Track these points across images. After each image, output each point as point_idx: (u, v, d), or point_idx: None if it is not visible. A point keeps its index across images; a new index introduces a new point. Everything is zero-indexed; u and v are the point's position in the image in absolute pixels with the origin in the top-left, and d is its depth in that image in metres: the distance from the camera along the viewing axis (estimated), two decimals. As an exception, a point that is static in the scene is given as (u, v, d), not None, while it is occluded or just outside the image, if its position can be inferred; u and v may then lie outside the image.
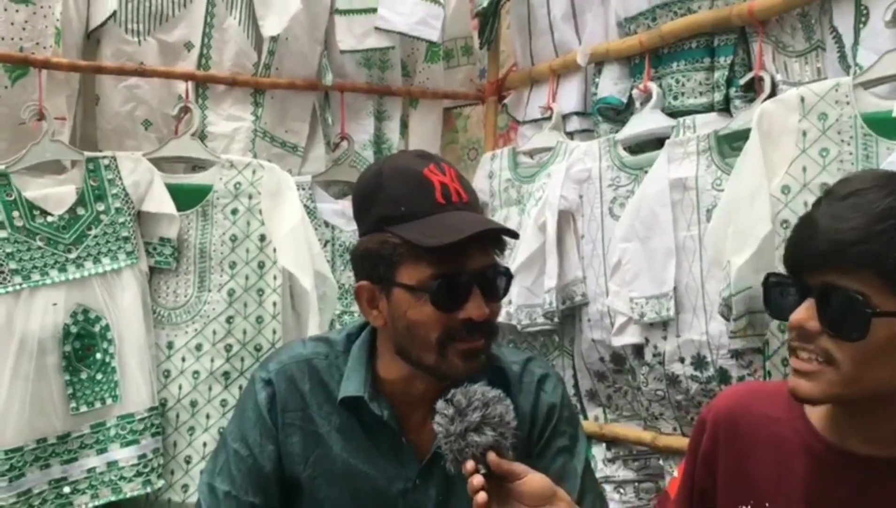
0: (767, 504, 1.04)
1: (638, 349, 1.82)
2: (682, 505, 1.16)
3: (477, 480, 1.04)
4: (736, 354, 1.62)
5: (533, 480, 1.06)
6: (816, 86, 1.50)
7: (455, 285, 1.13)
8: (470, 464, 1.05)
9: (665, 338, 1.75)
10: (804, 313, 0.92)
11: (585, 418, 2.00)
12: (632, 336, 1.81)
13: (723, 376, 1.66)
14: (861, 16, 1.52)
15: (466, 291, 1.14)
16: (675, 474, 1.21)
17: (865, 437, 0.97)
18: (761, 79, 1.68)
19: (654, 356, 1.77)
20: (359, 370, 1.22)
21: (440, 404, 1.09)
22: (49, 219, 1.81)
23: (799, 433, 1.03)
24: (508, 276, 1.21)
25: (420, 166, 1.17)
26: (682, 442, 1.79)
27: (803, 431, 1.02)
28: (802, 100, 1.49)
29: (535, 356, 1.35)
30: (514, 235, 1.21)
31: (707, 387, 1.69)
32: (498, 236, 1.19)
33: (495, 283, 1.18)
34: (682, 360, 1.72)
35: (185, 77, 2.04)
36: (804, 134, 1.48)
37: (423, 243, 1.11)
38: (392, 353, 1.21)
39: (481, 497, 1.03)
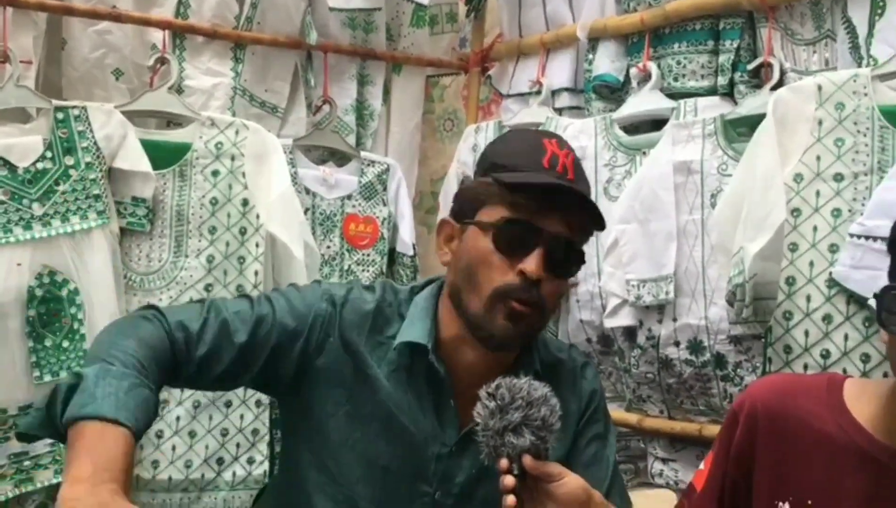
0: (810, 503, 1.04)
1: (629, 332, 1.81)
2: (709, 498, 1.15)
3: (508, 481, 1.02)
4: (735, 339, 1.63)
5: (569, 483, 1.04)
6: (834, 75, 1.50)
7: (520, 232, 1.14)
8: (504, 462, 1.03)
9: (660, 321, 1.74)
10: None
11: (567, 397, 1.99)
12: (625, 319, 1.80)
13: (719, 361, 1.67)
14: (877, 7, 1.53)
15: (529, 242, 1.14)
16: (702, 466, 1.20)
17: None
18: (770, 65, 1.68)
19: (648, 338, 1.77)
20: (423, 319, 1.21)
21: (483, 392, 1.06)
22: (13, 172, 1.66)
23: (846, 432, 1.02)
24: (580, 259, 1.20)
25: (543, 136, 1.22)
26: (669, 426, 1.80)
27: (851, 430, 1.02)
28: (819, 88, 1.49)
29: (574, 345, 1.37)
30: (601, 225, 1.20)
31: (701, 371, 1.70)
32: (586, 220, 1.18)
33: (562, 256, 1.16)
34: (677, 344, 1.72)
35: (162, 25, 1.89)
36: (820, 123, 1.49)
37: (505, 179, 1.13)
38: (449, 307, 1.20)
39: (510, 500, 1.01)
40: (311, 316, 1.21)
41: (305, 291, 1.25)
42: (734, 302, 1.54)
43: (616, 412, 1.92)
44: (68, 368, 1.68)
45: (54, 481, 1.67)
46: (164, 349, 1.11)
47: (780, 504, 1.06)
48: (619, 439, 1.96)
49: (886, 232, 1.33)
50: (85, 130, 1.74)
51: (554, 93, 2.15)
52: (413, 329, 1.20)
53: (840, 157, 1.46)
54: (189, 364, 1.14)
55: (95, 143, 1.74)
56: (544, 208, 1.14)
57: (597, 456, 1.27)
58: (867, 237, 1.39)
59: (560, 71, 2.14)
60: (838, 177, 1.46)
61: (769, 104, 1.53)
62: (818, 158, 1.49)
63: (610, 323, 1.82)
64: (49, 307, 1.67)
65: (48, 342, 1.67)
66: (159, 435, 1.81)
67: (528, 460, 1.03)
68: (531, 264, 1.13)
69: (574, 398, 1.28)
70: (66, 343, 1.69)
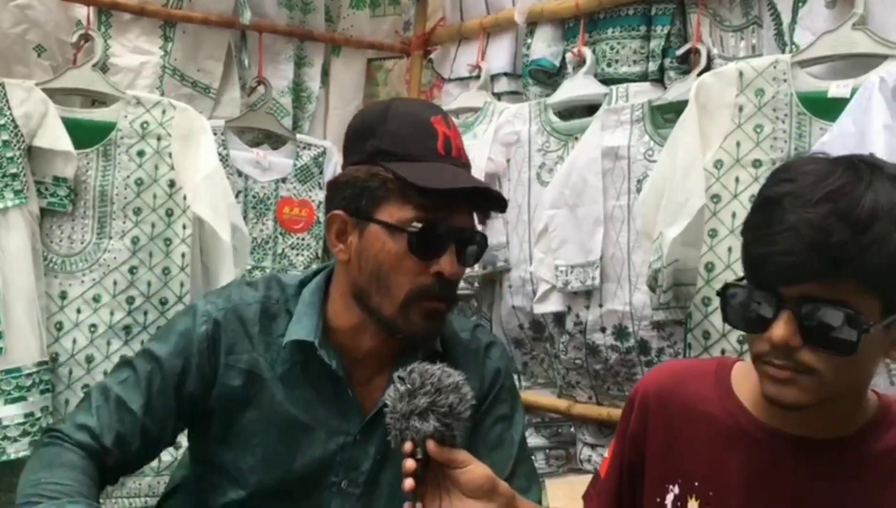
0: (697, 484, 1.04)
1: (559, 318, 1.81)
2: (610, 484, 1.15)
3: (409, 464, 1.01)
4: (657, 325, 1.63)
5: (474, 471, 1.03)
6: (755, 61, 1.50)
7: (435, 235, 1.10)
8: (408, 445, 1.03)
9: (588, 307, 1.74)
10: (784, 329, 0.87)
11: (500, 383, 1.98)
12: (554, 304, 1.79)
13: (643, 347, 1.67)
14: (801, -5, 1.53)
15: (444, 244, 1.11)
16: (606, 454, 1.19)
17: (803, 420, 0.97)
18: (697, 51, 1.68)
19: (576, 324, 1.77)
20: (310, 314, 1.17)
21: (396, 376, 1.05)
22: (-76, 149, 1.62)
23: (730, 413, 1.02)
24: (484, 245, 1.18)
25: (428, 113, 1.15)
26: (596, 411, 1.81)
27: (734, 411, 1.02)
28: (741, 74, 1.49)
29: (481, 324, 1.34)
30: (504, 207, 1.18)
31: (626, 357, 1.70)
32: (484, 206, 1.17)
33: (470, 247, 1.15)
34: (603, 330, 1.72)
35: (86, 1, 1.85)
36: (740, 109, 1.49)
37: (418, 182, 1.08)
38: (347, 298, 1.16)
39: (408, 483, 1.01)
40: (195, 347, 1.17)
41: (181, 323, 1.20)
42: (654, 288, 1.54)
43: (548, 398, 1.92)
44: (-18, 350, 1.64)
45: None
46: (76, 459, 1.10)
47: (670, 486, 1.06)
48: (549, 425, 1.97)
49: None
50: (2, 106, 1.69)
51: (493, 77, 2.14)
52: (299, 326, 1.17)
53: (759, 143, 1.47)
54: (108, 455, 1.12)
55: (13, 120, 1.70)
56: (452, 204, 1.11)
57: (501, 438, 1.26)
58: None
59: (499, 55, 2.13)
60: (757, 163, 1.46)
61: (692, 90, 1.53)
62: (738, 144, 1.49)
63: (539, 309, 1.82)
64: (-37, 289, 1.63)
65: (-38, 325, 1.63)
66: (81, 420, 1.77)
67: (431, 445, 1.02)
68: (447, 265, 1.11)
69: (476, 378, 1.26)
70: (-20, 325, 1.65)
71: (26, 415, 1.67)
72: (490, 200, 1.17)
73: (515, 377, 1.98)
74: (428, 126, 1.13)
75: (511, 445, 1.26)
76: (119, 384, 1.15)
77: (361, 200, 1.12)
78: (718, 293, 0.95)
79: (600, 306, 1.72)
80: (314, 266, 1.85)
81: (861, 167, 0.89)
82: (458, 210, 1.13)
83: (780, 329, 0.88)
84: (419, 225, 1.10)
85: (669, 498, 1.07)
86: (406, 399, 1.03)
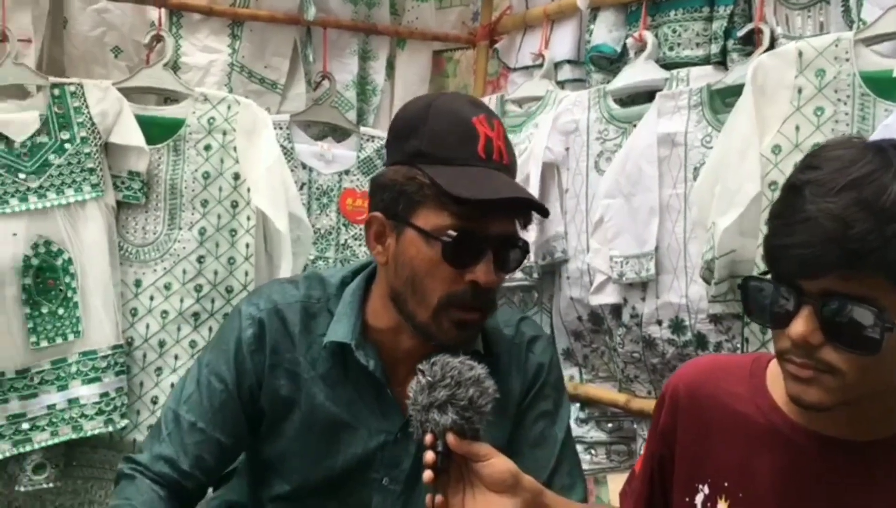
0: (726, 485, 0.99)
1: (616, 310, 1.77)
2: (643, 482, 1.12)
3: (429, 456, 1.02)
4: (715, 319, 1.57)
5: (495, 465, 1.02)
6: (816, 40, 1.41)
7: (471, 243, 1.08)
8: (428, 438, 1.03)
9: (643, 299, 1.69)
10: (804, 326, 0.83)
11: (560, 376, 1.96)
12: (610, 296, 1.75)
13: (700, 341, 1.61)
14: (870, -33, 1.43)
15: (480, 252, 1.09)
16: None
17: (839, 421, 0.92)
18: (760, 31, 1.59)
19: (632, 317, 1.72)
20: (349, 315, 1.18)
21: (419, 367, 1.05)
22: (9, 146, 1.74)
23: (763, 412, 0.97)
24: (525, 250, 1.15)
25: (470, 113, 1.11)
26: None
27: (767, 410, 0.97)
28: (800, 54, 1.41)
29: (527, 317, 1.31)
30: (545, 212, 1.16)
31: (684, 352, 1.65)
32: (527, 208, 1.13)
33: (510, 253, 1.13)
34: (659, 323, 1.67)
35: (158, 3, 1.94)
36: (800, 91, 1.41)
37: (453, 191, 1.06)
38: (385, 299, 1.17)
39: (427, 474, 1.01)
40: (245, 351, 1.19)
41: (229, 329, 1.22)
42: (709, 279, 1.48)
43: (608, 391, 1.88)
44: (62, 334, 1.76)
45: (50, 442, 1.75)
46: (159, 495, 1.16)
47: (699, 486, 1.02)
48: (611, 419, 1.93)
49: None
50: (81, 105, 1.80)
51: (557, 65, 2.11)
52: (339, 327, 1.18)
53: (819, 127, 1.38)
54: (188, 479, 1.18)
55: (91, 118, 1.80)
56: (490, 212, 1.09)
57: (543, 434, 1.25)
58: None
59: (562, 43, 2.09)
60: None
61: (748, 72, 1.46)
62: (797, 128, 1.41)
63: (595, 300, 1.78)
64: (44, 276, 1.75)
65: (44, 310, 1.75)
66: (154, 401, 1.87)
67: (450, 438, 1.02)
68: (482, 274, 1.09)
69: (519, 374, 1.25)
70: (60, 311, 1.76)
71: (101, 395, 1.78)
72: (531, 205, 1.14)
73: (576, 369, 1.96)
74: (469, 127, 1.11)
75: (554, 442, 1.24)
76: (185, 404, 1.20)
77: (399, 203, 1.11)
78: (739, 287, 0.91)
79: (656, 297, 1.67)
80: (305, 274, 1.86)
81: (892, 153, 0.83)
82: (496, 218, 1.10)
83: (799, 326, 0.83)
84: (454, 234, 1.08)
85: (699, 498, 1.04)
86: (426, 392, 1.03)
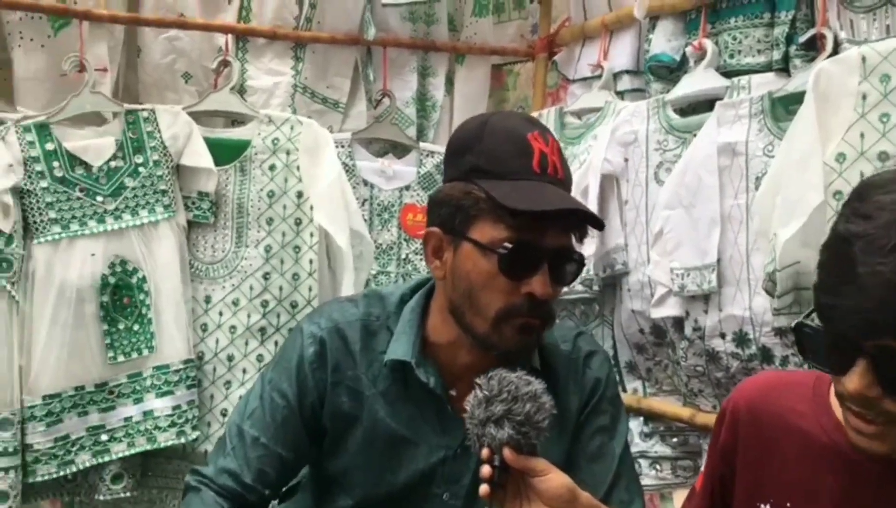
0: (789, 505, 0.98)
1: (678, 323, 1.74)
2: (704, 499, 1.11)
3: (485, 470, 1.03)
4: (780, 332, 1.53)
5: (552, 479, 1.03)
6: (880, 45, 1.37)
7: (526, 255, 1.10)
8: (485, 452, 1.04)
9: (706, 312, 1.66)
10: (860, 381, 0.80)
11: (624, 390, 1.93)
12: (671, 309, 1.73)
13: (765, 354, 1.57)
14: (939, -34, 1.38)
15: (536, 264, 1.10)
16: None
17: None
18: (823, 36, 1.55)
19: (694, 330, 1.69)
20: (408, 333, 1.20)
21: (477, 381, 1.07)
22: (88, 170, 1.83)
23: (826, 430, 0.95)
24: (581, 263, 1.16)
25: (525, 130, 1.14)
26: (720, 420, 1.72)
27: (830, 429, 0.95)
28: (864, 59, 1.37)
29: (583, 332, 1.32)
30: (601, 224, 1.16)
31: (748, 366, 1.61)
32: (582, 221, 1.14)
33: (566, 266, 1.14)
34: (723, 336, 1.64)
35: (225, 30, 2.01)
36: (864, 97, 1.36)
37: (507, 203, 1.08)
38: (444, 313, 1.18)
39: (483, 488, 1.02)
40: (307, 369, 1.22)
41: (292, 348, 1.25)
42: (772, 292, 1.44)
43: (672, 405, 1.85)
44: (138, 349, 1.84)
45: (128, 453, 1.83)
46: (222, 505, 1.20)
47: (761, 505, 1.00)
48: (676, 434, 1.90)
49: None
50: (153, 130, 1.89)
51: (616, 75, 2.09)
52: (398, 345, 1.20)
53: (885, 134, 1.34)
54: (251, 492, 1.22)
55: (163, 142, 1.89)
56: (545, 224, 1.10)
57: (601, 449, 1.25)
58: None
59: (621, 53, 2.08)
60: (883, 156, 1.34)
61: (810, 79, 1.42)
62: (862, 135, 1.36)
63: (656, 313, 1.76)
64: (121, 294, 1.84)
65: (121, 326, 1.84)
66: (224, 414, 1.93)
67: (507, 452, 1.03)
68: (539, 286, 1.10)
69: (576, 390, 1.25)
70: (136, 327, 1.85)
71: (174, 407, 1.85)
72: (586, 217, 1.15)
73: (640, 382, 1.94)
74: (524, 143, 1.12)
75: (612, 457, 1.24)
76: (248, 419, 1.24)
77: (456, 218, 1.13)
78: (793, 330, 0.88)
79: (719, 310, 1.64)
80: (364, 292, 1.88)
81: None
82: (552, 230, 1.11)
83: (855, 381, 0.80)
84: (510, 246, 1.09)
85: None
86: (483, 406, 1.05)
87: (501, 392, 1.04)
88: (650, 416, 1.89)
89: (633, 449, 1.82)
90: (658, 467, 1.89)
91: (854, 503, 0.92)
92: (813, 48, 1.61)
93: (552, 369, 1.24)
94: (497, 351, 1.15)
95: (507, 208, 1.08)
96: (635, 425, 1.91)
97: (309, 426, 1.24)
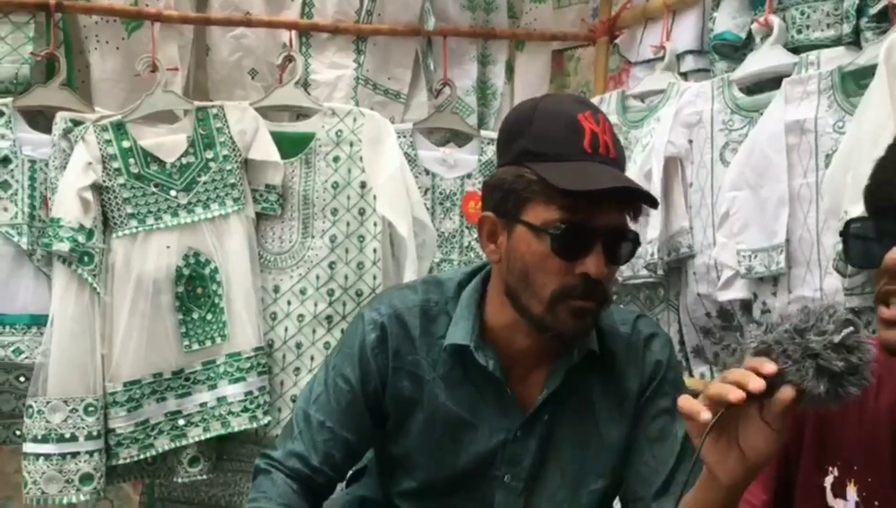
0: (856, 468, 0.97)
1: (745, 305, 1.70)
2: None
3: (759, 385, 0.82)
4: (853, 312, 1.48)
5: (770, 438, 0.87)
6: (957, 12, 1.31)
7: (579, 235, 1.10)
8: (774, 370, 0.83)
9: (775, 294, 1.62)
10: None
11: (691, 375, 1.91)
12: (738, 291, 1.69)
13: (838, 336, 1.52)
14: None
15: (589, 244, 1.10)
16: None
17: None
18: (895, 7, 1.49)
19: (763, 312, 1.65)
20: (467, 317, 1.22)
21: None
22: (162, 166, 1.91)
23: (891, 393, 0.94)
24: (636, 242, 1.16)
25: (575, 111, 1.14)
26: (792, 405, 1.68)
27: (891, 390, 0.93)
28: (939, 29, 1.31)
29: (644, 315, 1.31)
30: (655, 203, 1.15)
31: (820, 348, 1.56)
32: (636, 200, 1.14)
33: (620, 245, 1.14)
34: (793, 318, 1.60)
35: (289, 26, 2.06)
36: (940, 68, 1.31)
37: (559, 184, 1.09)
38: (501, 297, 1.20)
39: (738, 395, 0.82)
40: (369, 354, 1.25)
41: (354, 334, 1.28)
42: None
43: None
44: (211, 338, 1.91)
45: (203, 437, 1.90)
46: (292, 488, 1.24)
47: (830, 468, 0.99)
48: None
49: None
50: (222, 126, 1.95)
51: (679, 56, 2.06)
52: (457, 329, 1.22)
53: (963, 105, 1.28)
54: (318, 474, 1.26)
55: (231, 137, 1.95)
56: (597, 204, 1.10)
57: (664, 431, 1.24)
58: None
59: (685, 33, 2.05)
60: (960, 128, 1.28)
61: (881, 52, 1.37)
62: (938, 108, 1.31)
63: (723, 296, 1.73)
64: (195, 284, 1.91)
65: (195, 315, 1.91)
66: (294, 400, 1.99)
67: (790, 393, 0.82)
68: (593, 266, 1.10)
69: (636, 373, 1.25)
70: (209, 316, 1.92)
71: (246, 394, 1.91)
72: (640, 195, 1.14)
73: (707, 367, 1.91)
74: (575, 123, 1.12)
75: (674, 439, 1.23)
76: (314, 404, 1.27)
77: (509, 201, 1.14)
78: (841, 233, 0.88)
79: (789, 292, 1.60)
80: (421, 278, 1.87)
81: None
82: (604, 210, 1.11)
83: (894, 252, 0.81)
84: (562, 226, 1.10)
85: (828, 481, 1.01)
86: (825, 336, 0.84)
87: (856, 350, 0.84)
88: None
89: (702, 435, 1.80)
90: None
91: None
92: (885, 20, 1.55)
93: (611, 351, 1.24)
94: (553, 333, 1.16)
95: (559, 189, 1.09)
96: (704, 410, 1.88)
97: (372, 410, 1.27)
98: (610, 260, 1.13)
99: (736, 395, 0.82)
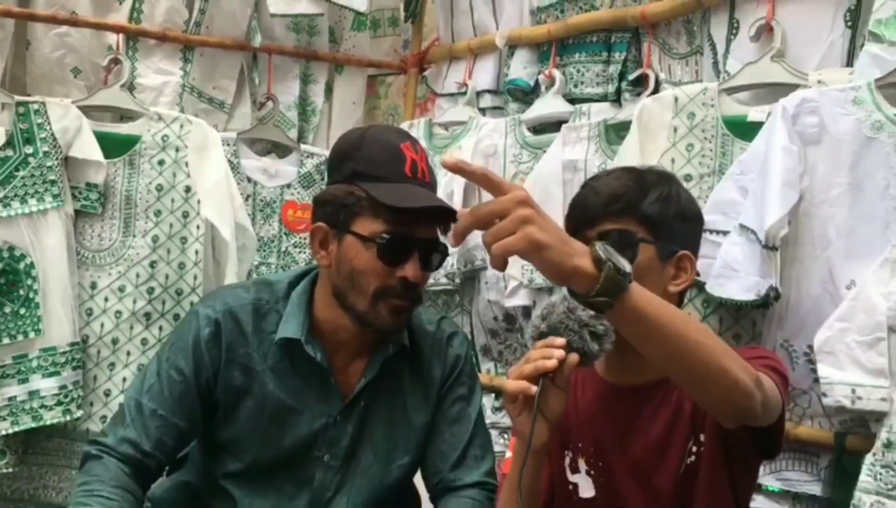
0: (581, 445, 1.29)
1: (526, 311, 2.02)
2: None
3: (552, 364, 1.04)
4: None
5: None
6: (689, 88, 1.71)
7: (401, 245, 1.29)
8: (562, 343, 1.06)
9: (550, 301, 1.96)
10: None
11: (479, 370, 2.21)
12: (522, 299, 2.01)
13: (596, 337, 1.88)
14: (733, 28, 1.73)
15: (408, 252, 1.30)
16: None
17: (626, 370, 1.24)
18: (647, 76, 1.88)
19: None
20: (298, 314, 1.37)
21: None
22: (-22, 159, 1.89)
23: (593, 379, 1.29)
24: (445, 253, 1.37)
25: (398, 141, 1.33)
26: (559, 394, 2.02)
27: (593, 376, 1.29)
28: (676, 99, 1.70)
29: (446, 317, 1.54)
30: (456, 219, 1.33)
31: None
32: (446, 218, 1.34)
33: (433, 254, 1.35)
34: (562, 322, 1.94)
35: (116, 29, 2.11)
36: (675, 130, 1.70)
37: (386, 201, 1.28)
38: (329, 296, 1.36)
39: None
40: (203, 348, 1.36)
41: (188, 329, 1.38)
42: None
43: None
44: (24, 332, 1.91)
45: (11, 430, 1.90)
46: (124, 472, 1.31)
47: (566, 451, 1.32)
48: (523, 408, 2.18)
49: (721, 226, 1.57)
50: (43, 122, 1.96)
51: (479, 94, 2.36)
52: (288, 325, 1.38)
53: (690, 160, 1.67)
54: (150, 459, 1.34)
55: (53, 134, 1.97)
56: (416, 219, 1.31)
57: (460, 414, 1.48)
58: (705, 230, 1.60)
59: (484, 74, 2.35)
60: (688, 177, 1.67)
61: (635, 112, 1.74)
62: (672, 160, 1.70)
63: (509, 303, 2.04)
64: (8, 279, 1.91)
65: (7, 309, 1.91)
66: (107, 394, 2.04)
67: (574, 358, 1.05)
68: (410, 271, 1.30)
69: (439, 364, 1.48)
70: (22, 310, 1.92)
71: (60, 387, 1.94)
72: (449, 214, 1.36)
73: (492, 363, 2.22)
74: (398, 151, 1.31)
75: (468, 420, 1.47)
76: (146, 394, 1.36)
77: (340, 214, 1.31)
78: None
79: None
80: (252, 279, 2.01)
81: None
82: (421, 224, 1.32)
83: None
84: (387, 236, 1.29)
85: (567, 461, 1.32)
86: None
87: (601, 318, 1.05)
88: (501, 392, 2.17)
89: (487, 421, 2.08)
90: (506, 436, 2.17)
91: (611, 426, 1.25)
92: (640, 84, 1.94)
93: (419, 346, 1.47)
94: (373, 328, 1.35)
95: (385, 205, 1.29)
96: (487, 400, 2.18)
97: (204, 400, 1.40)
98: (424, 267, 1.35)
99: (551, 363, 1.03)
